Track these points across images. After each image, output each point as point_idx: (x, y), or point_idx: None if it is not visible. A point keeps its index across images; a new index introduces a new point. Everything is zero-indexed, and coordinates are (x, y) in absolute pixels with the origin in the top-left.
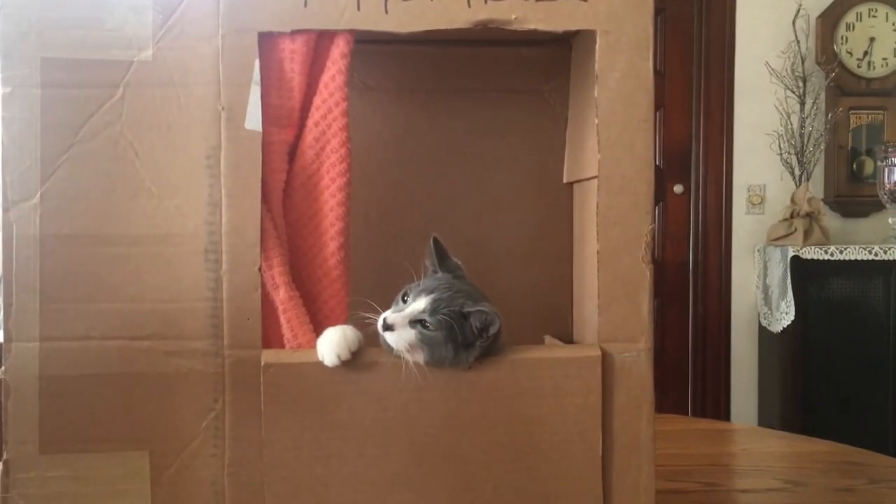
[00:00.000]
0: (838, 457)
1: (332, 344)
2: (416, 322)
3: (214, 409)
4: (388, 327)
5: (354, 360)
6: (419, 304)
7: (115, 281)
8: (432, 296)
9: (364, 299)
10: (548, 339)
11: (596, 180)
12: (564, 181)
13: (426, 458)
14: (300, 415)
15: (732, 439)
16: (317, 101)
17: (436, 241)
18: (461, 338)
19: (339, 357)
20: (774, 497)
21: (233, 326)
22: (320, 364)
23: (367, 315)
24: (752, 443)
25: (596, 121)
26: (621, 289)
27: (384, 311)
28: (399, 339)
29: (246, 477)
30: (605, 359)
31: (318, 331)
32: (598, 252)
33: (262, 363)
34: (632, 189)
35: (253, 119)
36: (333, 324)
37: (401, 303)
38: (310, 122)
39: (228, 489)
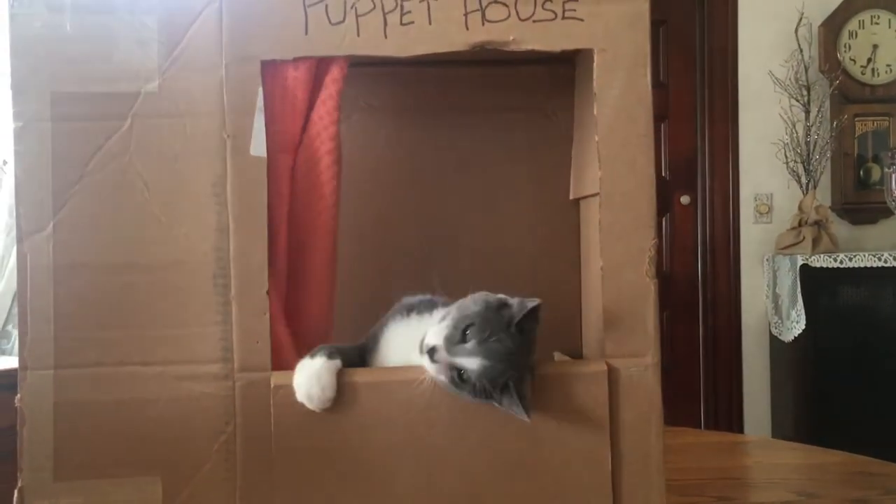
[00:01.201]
0: (853, 467)
1: (311, 388)
2: (456, 369)
3: (226, 431)
4: (430, 355)
5: (364, 380)
6: (472, 363)
7: (126, 308)
8: (487, 362)
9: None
10: (557, 355)
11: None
12: (570, 198)
13: (435, 475)
14: (310, 436)
15: (745, 451)
16: (308, 125)
17: (536, 308)
18: (492, 399)
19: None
20: None
21: (243, 350)
22: None
23: (425, 296)
24: (765, 455)
25: (596, 138)
26: (626, 304)
27: (441, 297)
28: (433, 369)
29: (257, 499)
30: (611, 374)
31: (307, 339)
32: (601, 268)
33: (272, 385)
34: (633, 205)
35: (257, 146)
36: (320, 334)
37: (460, 334)
38: (301, 146)
39: None
